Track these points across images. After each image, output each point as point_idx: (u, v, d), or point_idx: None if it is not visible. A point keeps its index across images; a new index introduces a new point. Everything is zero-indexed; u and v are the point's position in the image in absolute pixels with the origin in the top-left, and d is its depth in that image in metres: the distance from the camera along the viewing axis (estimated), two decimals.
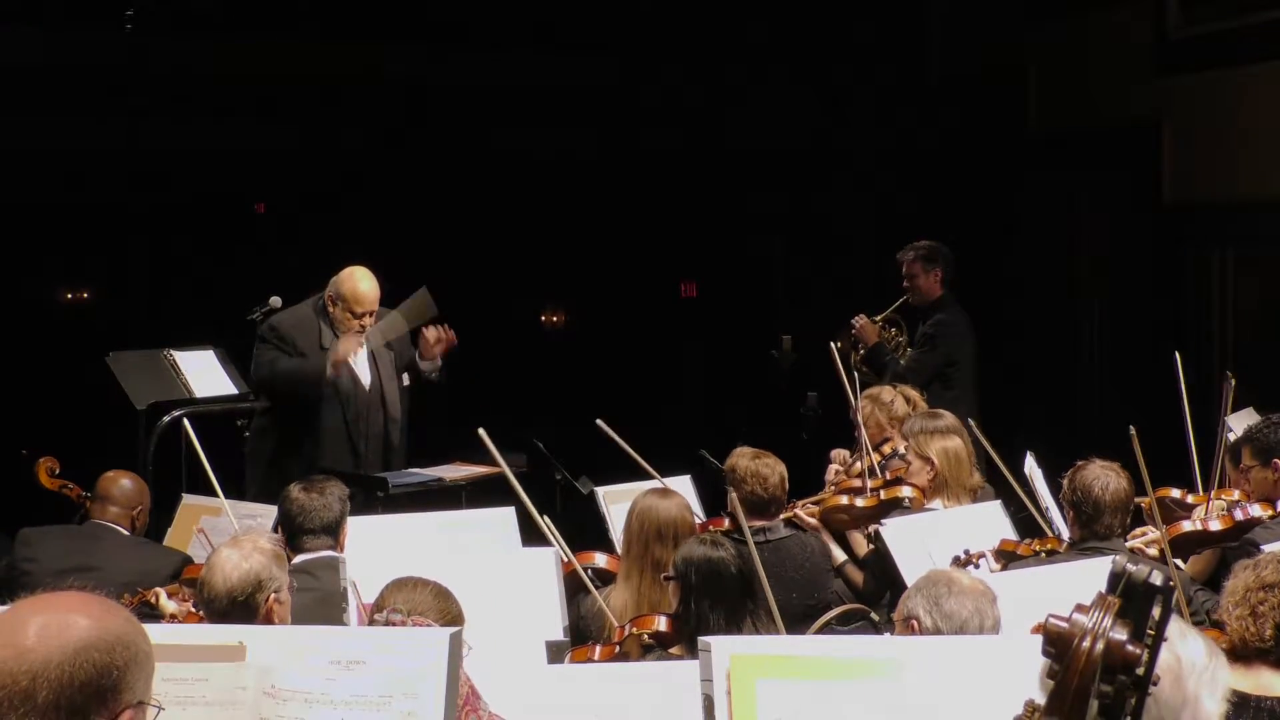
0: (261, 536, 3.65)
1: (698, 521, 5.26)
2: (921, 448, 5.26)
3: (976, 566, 4.37)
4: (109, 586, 4.19)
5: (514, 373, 9.77)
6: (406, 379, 6.29)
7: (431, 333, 6.32)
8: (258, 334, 6.27)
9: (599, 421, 5.28)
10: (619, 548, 4.72)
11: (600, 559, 4.62)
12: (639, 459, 5.11)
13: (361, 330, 6.17)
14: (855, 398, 5.65)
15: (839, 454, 5.92)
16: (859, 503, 5.26)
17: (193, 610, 4.12)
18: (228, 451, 6.34)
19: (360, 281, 6.11)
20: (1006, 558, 4.57)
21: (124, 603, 4.03)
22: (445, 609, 3.15)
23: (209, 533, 4.98)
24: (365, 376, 6.23)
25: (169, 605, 4.35)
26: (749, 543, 4.05)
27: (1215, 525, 4.81)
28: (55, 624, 1.86)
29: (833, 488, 5.54)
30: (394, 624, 2.99)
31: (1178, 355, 5.83)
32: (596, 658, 3.91)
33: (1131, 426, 4.21)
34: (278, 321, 6.23)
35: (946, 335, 7.20)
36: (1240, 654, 3.20)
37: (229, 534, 4.41)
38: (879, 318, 7.46)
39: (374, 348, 6.26)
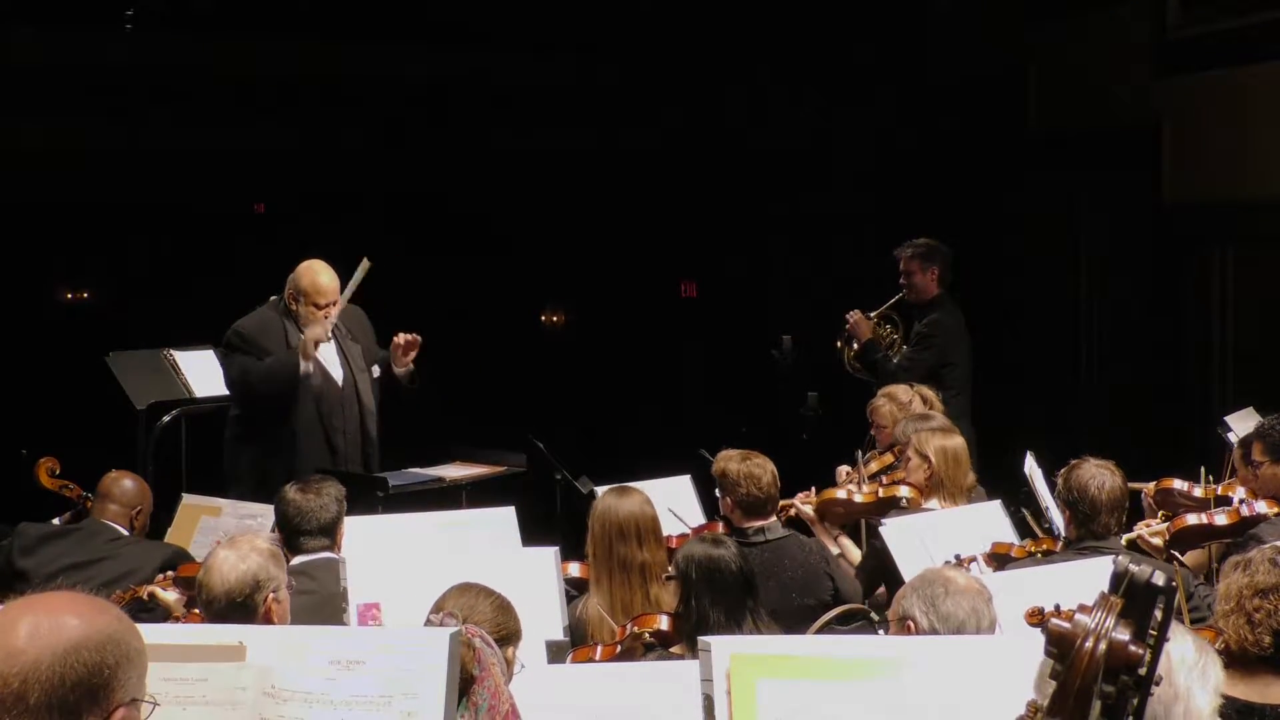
0: (258, 536, 3.63)
1: (692, 525, 5.26)
2: (922, 445, 5.26)
3: (968, 570, 4.36)
4: (100, 583, 4.21)
5: (514, 373, 9.76)
6: (377, 371, 6.27)
7: (400, 340, 6.27)
8: (223, 341, 6.21)
9: (671, 511, 5.20)
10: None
11: (574, 568, 4.58)
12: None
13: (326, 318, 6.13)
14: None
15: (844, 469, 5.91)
16: (856, 497, 5.26)
17: (191, 609, 4.11)
18: None
19: (319, 274, 6.10)
20: (1000, 561, 4.56)
21: (113, 601, 4.05)
22: (503, 623, 3.11)
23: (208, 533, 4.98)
24: (337, 372, 6.19)
25: (168, 596, 4.32)
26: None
27: (1221, 520, 4.81)
28: (46, 625, 1.87)
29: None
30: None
31: (1204, 470, 5.49)
32: (598, 657, 3.90)
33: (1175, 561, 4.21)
34: (242, 326, 6.16)
35: (941, 335, 7.19)
36: (1240, 660, 3.11)
37: (228, 534, 4.40)
38: (874, 314, 7.44)
39: (342, 341, 6.24)
